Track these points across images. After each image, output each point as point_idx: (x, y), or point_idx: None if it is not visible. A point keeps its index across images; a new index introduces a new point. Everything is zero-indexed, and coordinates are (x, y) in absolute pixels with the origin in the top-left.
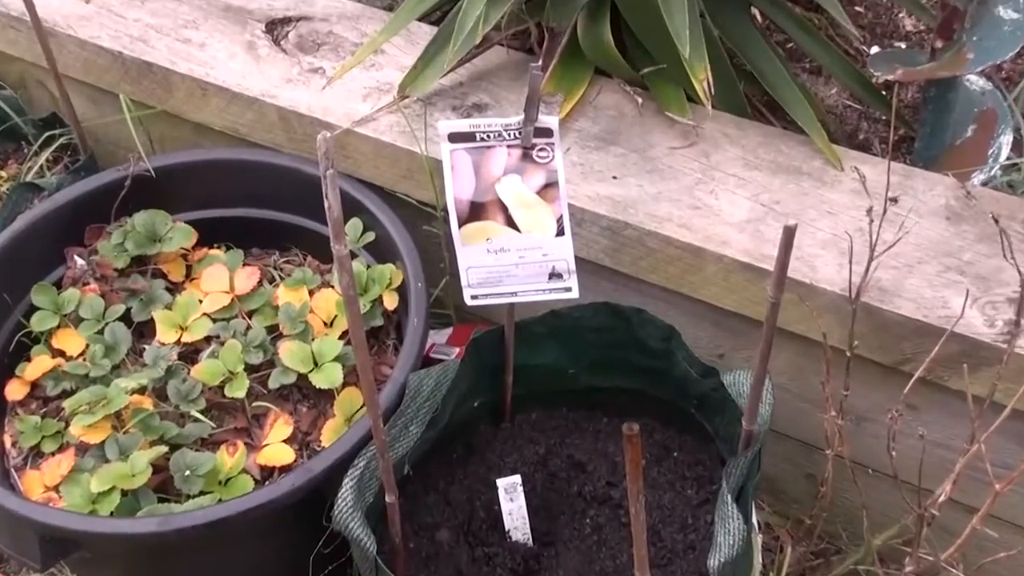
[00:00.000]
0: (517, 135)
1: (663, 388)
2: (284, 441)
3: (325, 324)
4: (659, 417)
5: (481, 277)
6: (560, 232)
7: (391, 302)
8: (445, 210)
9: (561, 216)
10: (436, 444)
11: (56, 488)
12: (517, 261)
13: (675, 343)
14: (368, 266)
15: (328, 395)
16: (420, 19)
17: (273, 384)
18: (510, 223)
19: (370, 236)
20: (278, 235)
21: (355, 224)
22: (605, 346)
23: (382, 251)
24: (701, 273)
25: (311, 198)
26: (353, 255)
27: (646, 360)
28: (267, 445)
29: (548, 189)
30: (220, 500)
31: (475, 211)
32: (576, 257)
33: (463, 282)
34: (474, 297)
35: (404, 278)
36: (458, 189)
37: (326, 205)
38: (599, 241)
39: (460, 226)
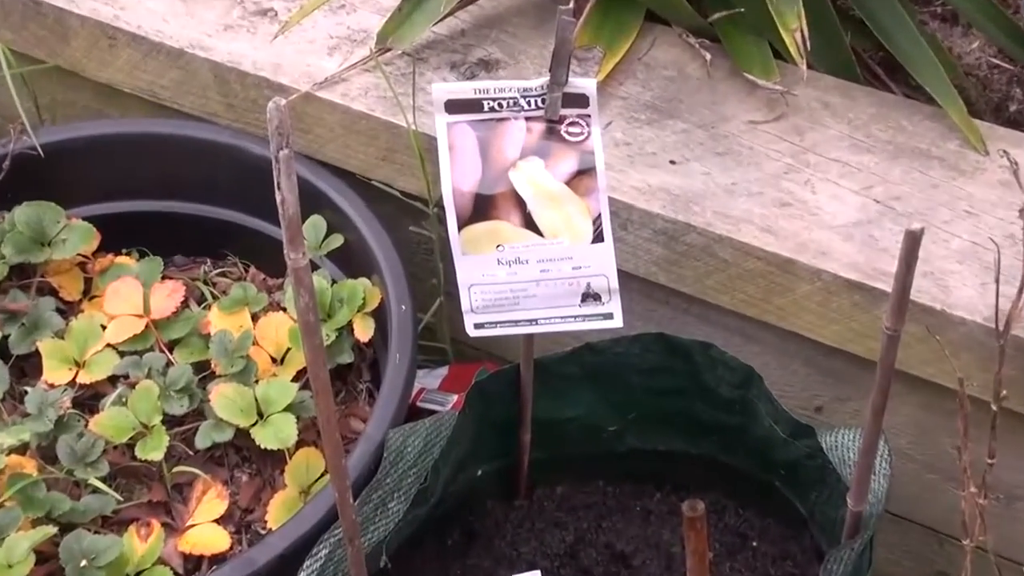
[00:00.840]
0: (540, 104)
1: (738, 453)
2: (216, 521)
3: (274, 361)
4: (733, 493)
5: (489, 298)
6: (598, 237)
7: (365, 331)
8: (440, 206)
9: (599, 215)
10: (425, 527)
11: None
12: (538, 276)
13: (755, 391)
14: (334, 281)
15: (277, 458)
16: None
17: (202, 442)
18: (529, 224)
19: (337, 240)
20: (211, 238)
21: (317, 224)
22: (659, 394)
23: (354, 261)
24: (791, 294)
25: (256, 188)
26: (314, 266)
27: (715, 414)
28: (193, 526)
29: (582, 178)
30: None
31: (481, 208)
32: (619, 271)
33: (464, 305)
34: (479, 326)
35: (383, 298)
36: (458, 177)
37: (278, 198)
38: (651, 250)
39: (461, 228)
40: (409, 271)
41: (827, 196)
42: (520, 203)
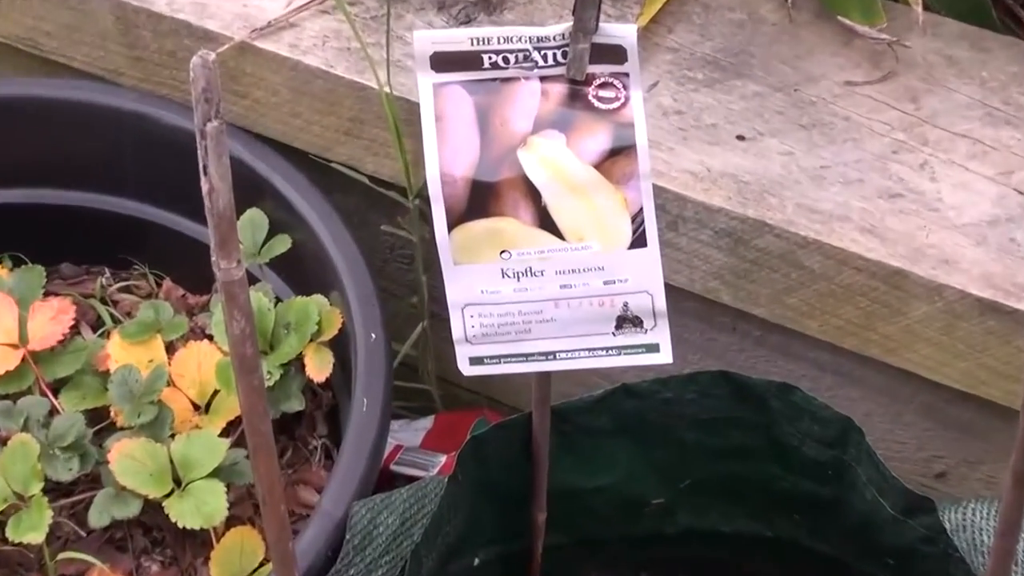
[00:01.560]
0: (560, 59)
1: (830, 536)
2: None
3: (196, 408)
4: None
5: (490, 324)
6: (639, 240)
7: (320, 368)
8: (424, 197)
9: (640, 210)
10: None
11: None
12: (557, 294)
13: (853, 450)
14: (279, 300)
15: (200, 541)
16: None
17: (98, 519)
18: (544, 222)
19: (283, 244)
20: (110, 239)
21: (256, 221)
22: (721, 454)
23: (306, 272)
24: (903, 319)
25: (173, 172)
26: (252, 278)
27: (799, 482)
28: None
29: (616, 159)
30: None
31: (480, 200)
32: (668, 287)
33: (456, 333)
34: (476, 361)
35: (345, 323)
36: (448, 158)
37: (203, 186)
38: (712, 258)
39: (452, 227)
40: (381, 286)
41: (951, 185)
42: (532, 194)
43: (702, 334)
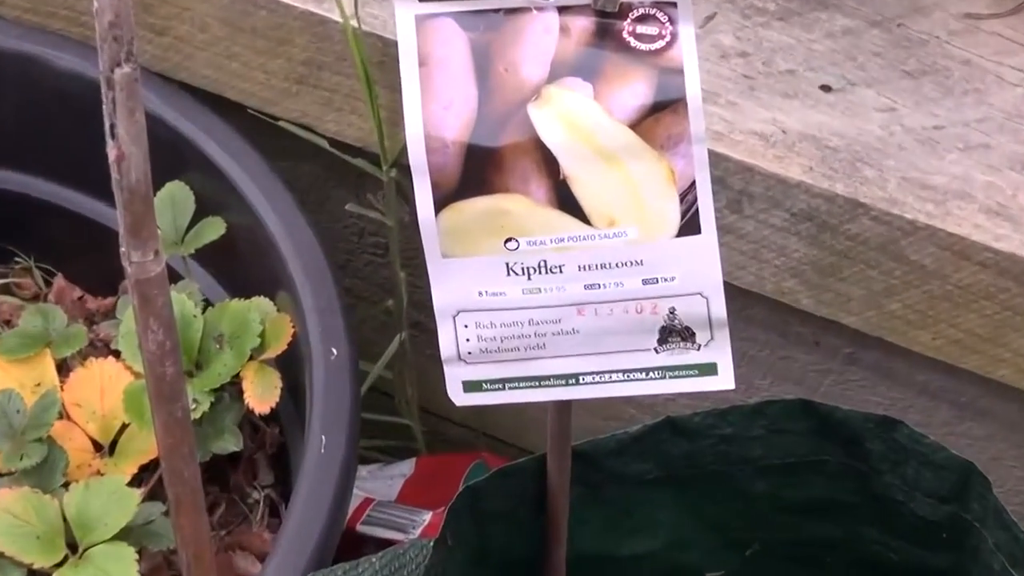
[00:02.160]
0: None
1: None
2: None
3: (97, 447)
4: None
5: (491, 336)
6: (690, 226)
7: (264, 394)
8: (404, 167)
9: (692, 185)
10: None
11: None
12: (581, 297)
13: (977, 506)
14: (208, 303)
15: None
16: None
17: None
18: (564, 201)
19: (215, 229)
20: None
21: (179, 198)
22: (801, 510)
23: (246, 266)
24: None
25: (69, 134)
26: (174, 275)
27: (905, 548)
28: None
29: (661, 117)
30: None
31: (478, 171)
32: (728, 287)
33: (446, 348)
34: (472, 386)
35: (296, 335)
36: (436, 115)
37: (110, 152)
38: (789, 248)
39: (441, 208)
40: (346, 285)
41: None
42: (548, 163)
43: (774, 351)
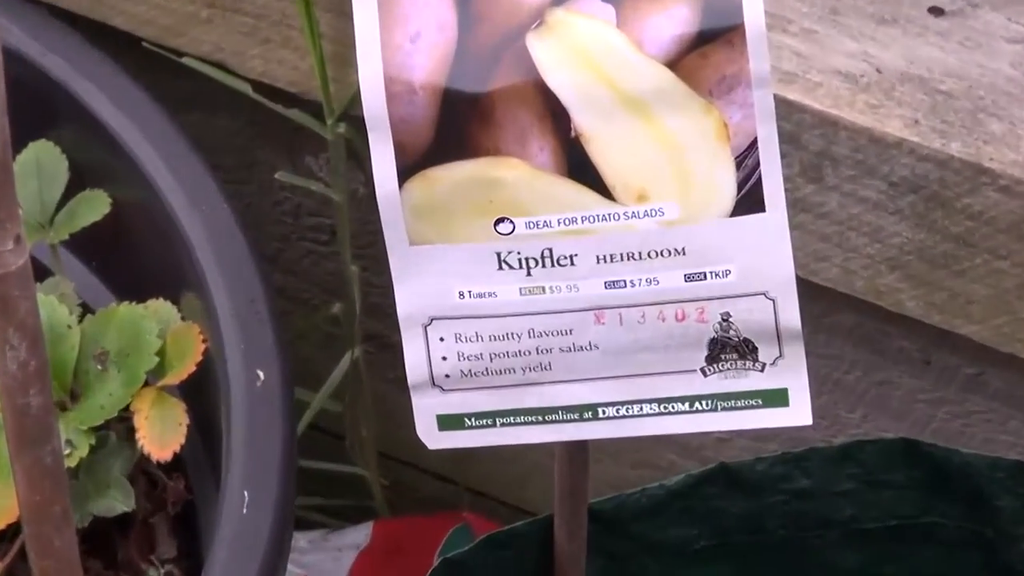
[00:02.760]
0: None
1: None
2: None
3: None
4: None
5: (475, 352)
6: (750, 200)
7: (164, 434)
8: (356, 120)
9: (753, 144)
10: None
11: None
12: (599, 299)
13: None
14: (87, 309)
15: None
16: None
17: None
18: (574, 167)
19: (97, 206)
20: None
21: (45, 164)
22: None
23: (139, 259)
24: None
25: None
26: (41, 269)
27: None
28: None
29: (709, 51)
30: None
31: (457, 126)
32: (804, 284)
33: (414, 371)
34: (450, 421)
35: (210, 352)
36: (399, 50)
37: None
38: (886, 231)
39: (408, 176)
40: (277, 284)
41: None
42: (554, 114)
43: (868, 372)
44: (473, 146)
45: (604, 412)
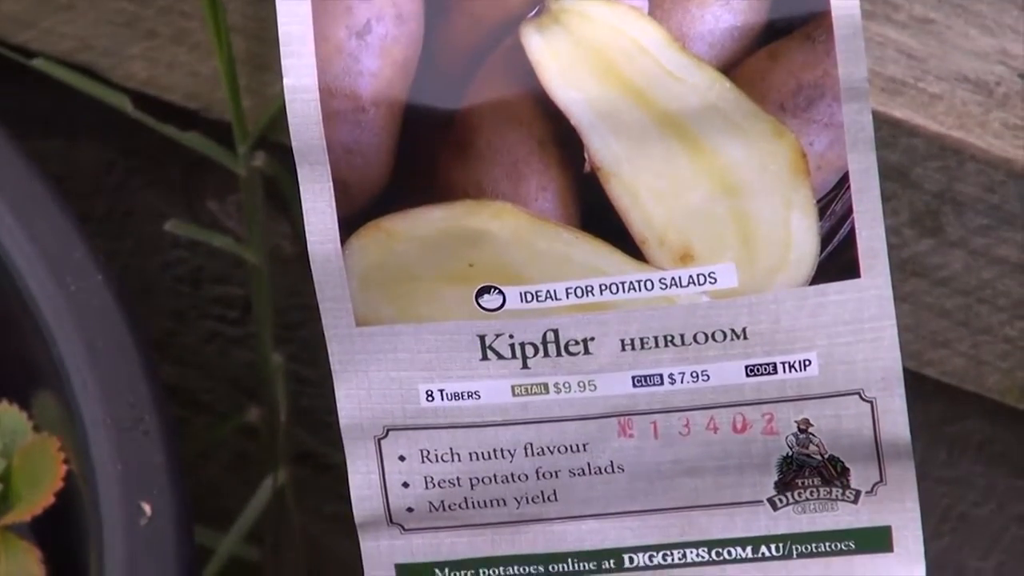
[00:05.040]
0: None
1: None
2: None
3: None
4: None
5: (450, 475)
6: (839, 264)
7: None
8: (279, 147)
9: (842, 183)
10: None
11: None
12: (627, 402)
13: None
14: None
15: None
16: None
17: None
18: (589, 215)
19: None
20: None
21: None
22: None
23: None
24: None
25: None
26: None
27: None
28: None
29: (780, 51)
30: None
31: (421, 156)
32: (912, 378)
33: (363, 503)
34: (412, 573)
35: (74, 473)
36: (339, 50)
37: None
38: None
39: (352, 230)
40: (168, 381)
41: None
42: (558, 139)
43: (1006, 503)
44: (446, 185)
45: (633, 560)
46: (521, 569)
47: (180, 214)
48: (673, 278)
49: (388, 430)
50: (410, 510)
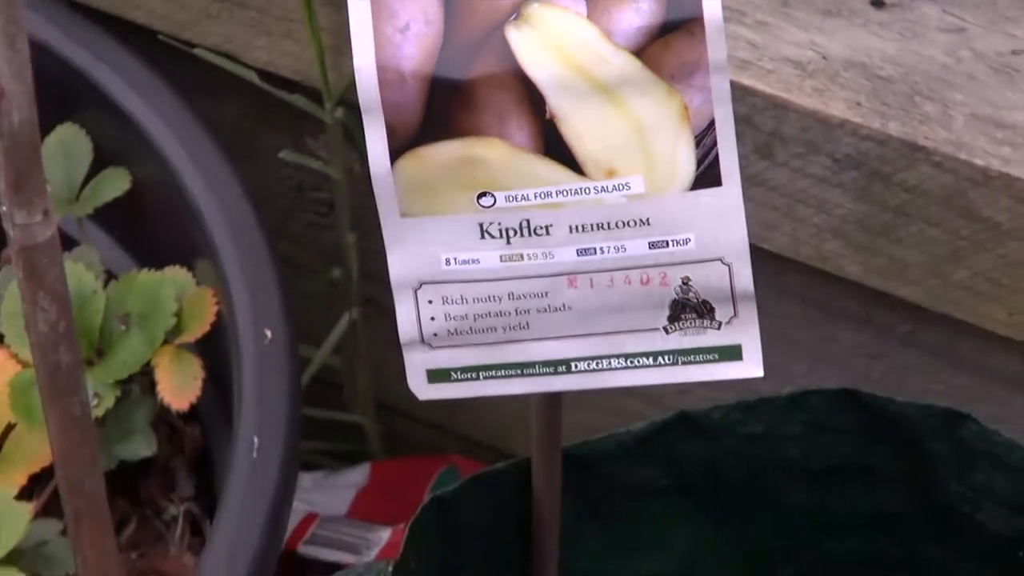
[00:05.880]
0: None
1: None
2: None
3: None
4: None
5: (462, 313)
6: (707, 176)
7: (182, 387)
8: (352, 105)
9: (711, 125)
10: None
11: None
12: (573, 265)
13: None
14: (111, 276)
15: None
16: None
17: None
18: (550, 146)
19: (119, 183)
20: None
21: (72, 146)
22: (845, 526)
23: (157, 230)
24: None
25: None
26: (68, 240)
27: (975, 569)
28: None
29: (672, 41)
30: None
31: (444, 110)
32: (757, 251)
33: (406, 330)
34: (438, 375)
35: (222, 313)
36: (391, 41)
37: None
38: (831, 203)
39: (399, 155)
40: (282, 252)
41: None
42: (531, 99)
43: (814, 329)
44: (458, 128)
45: (576, 366)
46: (505, 372)
47: (289, 147)
48: (603, 186)
49: (421, 284)
50: (435, 335)
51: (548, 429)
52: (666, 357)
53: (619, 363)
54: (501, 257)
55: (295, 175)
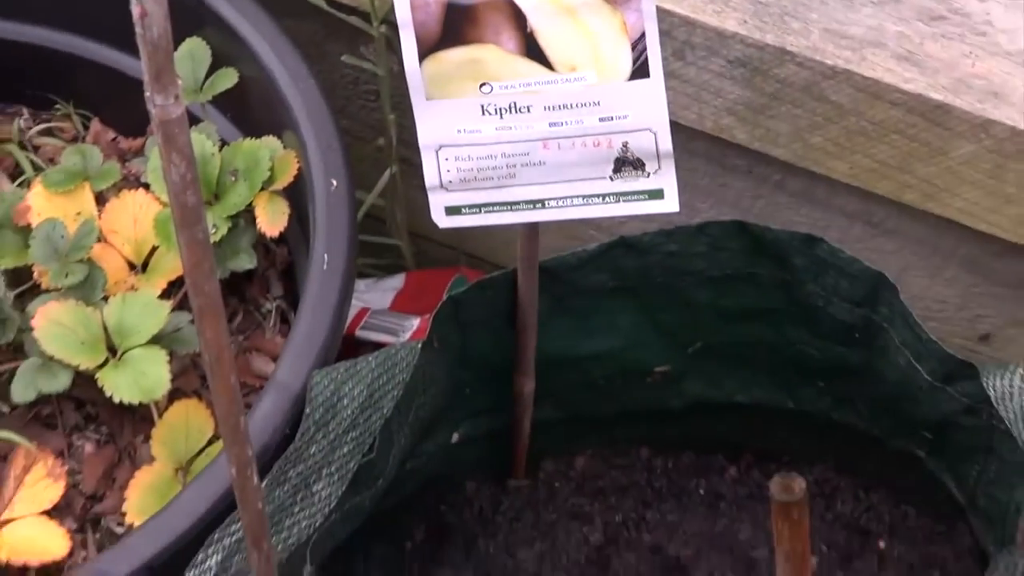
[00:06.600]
0: None
1: (858, 407)
2: (47, 512)
3: (132, 267)
4: (850, 467)
5: (469, 168)
6: (640, 71)
7: (274, 220)
8: (391, 23)
9: (642, 36)
10: (373, 521)
11: None
12: (546, 133)
13: (886, 309)
14: (224, 143)
15: (140, 417)
16: None
17: (22, 394)
18: (531, 50)
19: (229, 78)
20: (27, 74)
21: (196, 52)
22: (736, 316)
23: (256, 111)
24: (945, 159)
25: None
26: (193, 118)
27: (824, 346)
28: (9, 521)
29: None
30: None
31: (456, 25)
32: (674, 124)
33: (430, 179)
34: (453, 211)
35: (301, 169)
36: None
37: (134, 10)
38: (725, 90)
39: (424, 57)
40: (343, 127)
41: (1003, 5)
42: (516, 17)
43: (713, 178)
44: (465, 38)
45: (548, 204)
46: (500, 208)
47: (348, 53)
48: (567, 78)
49: (441, 146)
50: (451, 182)
51: (529, 249)
52: (611, 198)
53: (578, 202)
54: (496, 128)
55: (352, 73)
